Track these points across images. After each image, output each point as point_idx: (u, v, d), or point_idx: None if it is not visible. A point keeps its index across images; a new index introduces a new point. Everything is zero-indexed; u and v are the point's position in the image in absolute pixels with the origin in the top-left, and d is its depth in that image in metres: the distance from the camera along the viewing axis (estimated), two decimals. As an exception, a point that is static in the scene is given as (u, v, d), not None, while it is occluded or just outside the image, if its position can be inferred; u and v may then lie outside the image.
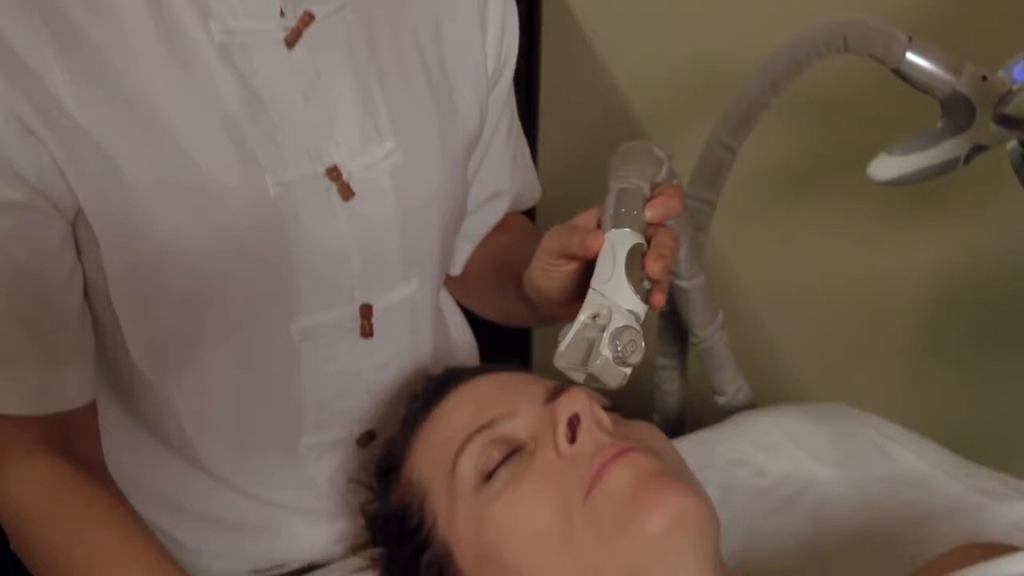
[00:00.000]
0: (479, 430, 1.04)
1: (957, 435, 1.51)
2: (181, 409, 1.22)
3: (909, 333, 1.82)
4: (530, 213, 1.52)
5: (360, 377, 1.25)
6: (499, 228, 1.42)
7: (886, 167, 1.10)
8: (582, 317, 1.03)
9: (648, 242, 1.06)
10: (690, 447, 1.30)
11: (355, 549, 1.30)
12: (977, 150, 1.10)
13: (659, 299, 1.05)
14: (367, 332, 1.22)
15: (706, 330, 1.53)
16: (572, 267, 1.10)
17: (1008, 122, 1.07)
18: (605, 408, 1.05)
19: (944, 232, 1.72)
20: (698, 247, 1.48)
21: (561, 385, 1.06)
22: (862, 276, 1.81)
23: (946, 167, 1.10)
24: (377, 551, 1.16)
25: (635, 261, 1.04)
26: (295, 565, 1.35)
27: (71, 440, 1.16)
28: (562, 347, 1.03)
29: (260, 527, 1.33)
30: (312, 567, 1.33)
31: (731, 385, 1.57)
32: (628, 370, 1.03)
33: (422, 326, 1.29)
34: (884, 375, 1.88)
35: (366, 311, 1.21)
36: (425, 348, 1.31)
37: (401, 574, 1.10)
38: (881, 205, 1.71)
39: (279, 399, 1.23)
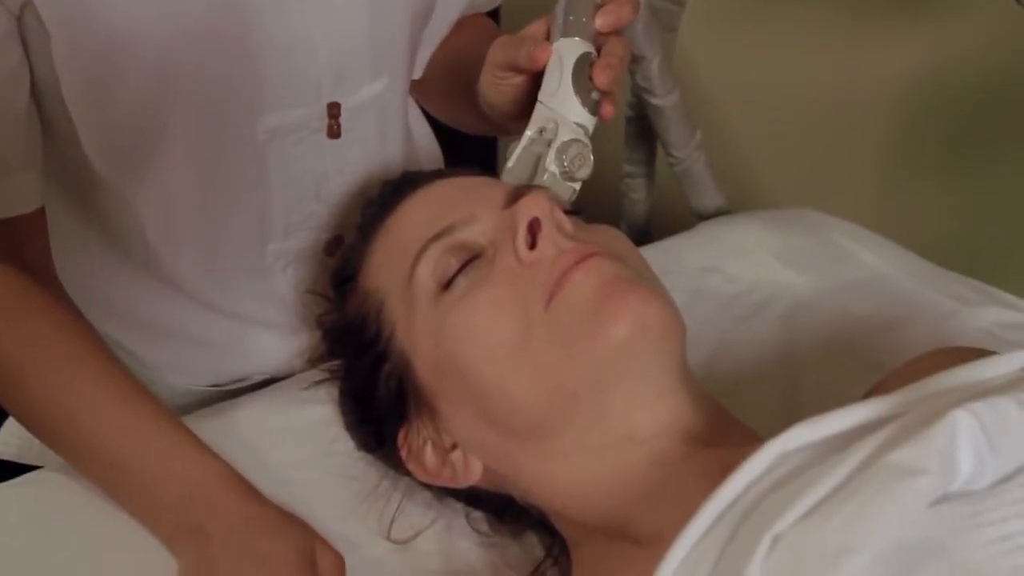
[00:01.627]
0: (436, 237, 1.01)
1: (931, 242, 1.51)
2: (144, 215, 1.19)
3: (884, 139, 1.80)
4: (494, 15, 1.47)
5: (327, 180, 1.22)
6: (458, 30, 1.37)
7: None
8: (529, 132, 1.03)
9: (599, 51, 1.03)
10: (657, 255, 1.27)
11: (315, 362, 1.29)
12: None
13: (608, 111, 1.04)
14: (334, 132, 1.19)
15: (683, 150, 1.51)
16: (521, 80, 1.08)
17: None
18: (567, 212, 1.02)
19: (919, 34, 1.68)
20: (670, 61, 1.44)
21: (522, 188, 1.02)
22: (835, 80, 1.78)
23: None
24: (336, 363, 1.15)
25: (583, 71, 1.03)
26: (256, 379, 1.35)
27: (19, 248, 1.13)
28: (510, 163, 1.04)
29: (223, 340, 1.32)
30: (272, 380, 1.32)
31: (710, 206, 1.55)
32: (576, 185, 1.04)
33: (390, 129, 1.26)
34: (858, 182, 1.86)
35: (334, 110, 1.17)
36: (393, 153, 1.28)
37: (360, 385, 1.09)
38: (856, 6, 1.67)
39: (245, 203, 1.20)
